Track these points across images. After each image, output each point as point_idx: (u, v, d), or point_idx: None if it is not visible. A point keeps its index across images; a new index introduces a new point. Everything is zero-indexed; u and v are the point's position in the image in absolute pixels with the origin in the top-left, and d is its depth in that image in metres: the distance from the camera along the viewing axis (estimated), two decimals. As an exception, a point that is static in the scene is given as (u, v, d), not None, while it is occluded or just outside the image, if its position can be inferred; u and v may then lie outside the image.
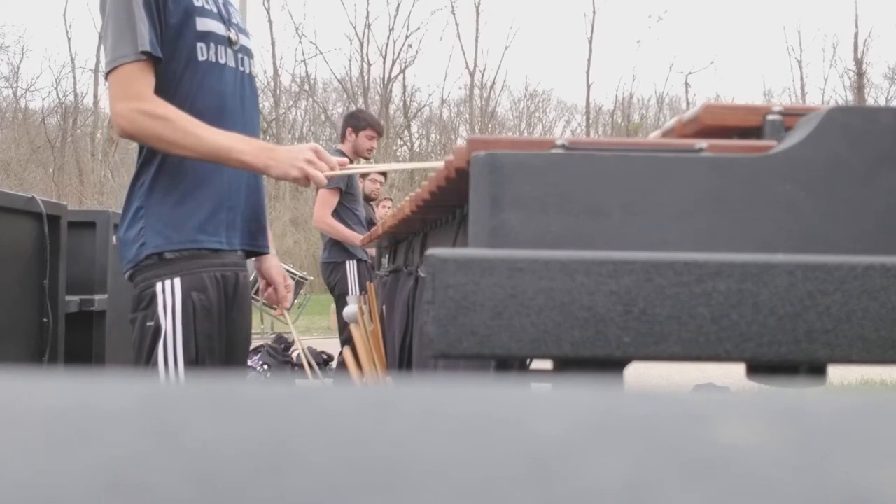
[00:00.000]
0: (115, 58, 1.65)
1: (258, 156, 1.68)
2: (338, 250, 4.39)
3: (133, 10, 1.64)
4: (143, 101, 1.64)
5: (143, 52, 1.64)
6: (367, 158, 4.67)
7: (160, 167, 1.72)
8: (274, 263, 2.11)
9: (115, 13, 1.65)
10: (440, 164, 1.73)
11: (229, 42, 1.78)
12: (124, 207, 1.78)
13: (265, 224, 1.93)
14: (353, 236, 4.29)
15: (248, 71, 1.86)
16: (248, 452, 0.20)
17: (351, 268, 4.37)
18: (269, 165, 1.68)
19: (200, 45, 1.73)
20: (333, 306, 4.63)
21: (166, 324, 1.69)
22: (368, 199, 5.22)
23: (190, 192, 1.73)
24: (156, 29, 1.67)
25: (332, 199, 4.24)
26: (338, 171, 1.75)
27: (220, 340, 1.77)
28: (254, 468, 0.19)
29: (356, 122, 4.57)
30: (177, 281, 1.70)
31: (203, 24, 1.73)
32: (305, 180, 1.70)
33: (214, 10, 1.78)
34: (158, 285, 1.70)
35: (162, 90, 1.68)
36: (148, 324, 1.70)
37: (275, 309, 2.26)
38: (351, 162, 4.47)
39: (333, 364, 4.60)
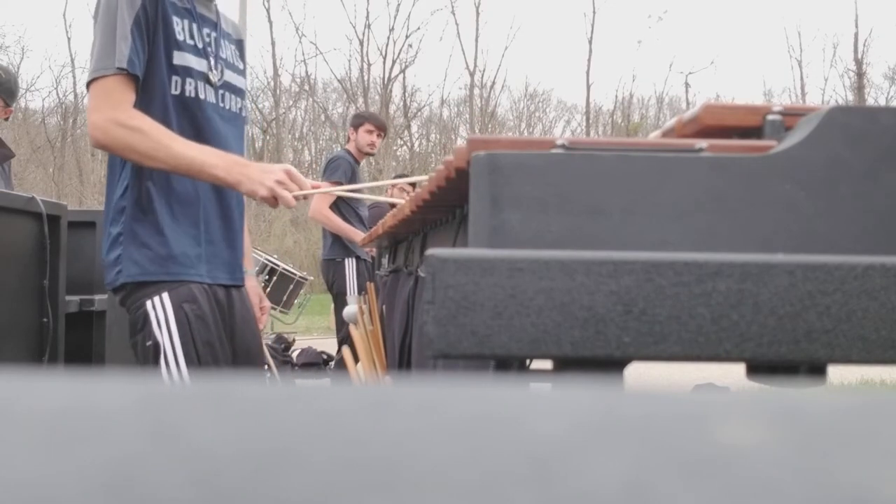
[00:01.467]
0: (97, 69, 1.68)
1: (230, 170, 1.69)
2: (338, 247, 4.36)
3: (118, 25, 1.66)
4: (118, 111, 1.65)
5: (120, 69, 1.66)
6: (370, 154, 4.65)
7: (141, 193, 1.73)
8: (251, 283, 2.11)
9: (103, 25, 1.68)
10: (423, 178, 1.77)
11: (207, 79, 1.79)
12: (105, 225, 1.78)
13: (241, 251, 1.94)
14: (351, 230, 4.26)
15: (231, 108, 1.87)
16: (248, 452, 0.20)
17: (350, 266, 4.34)
18: (241, 181, 1.70)
19: (175, 79, 1.74)
20: (333, 306, 4.62)
21: (163, 339, 1.70)
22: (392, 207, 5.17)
23: (169, 223, 1.74)
24: (142, 49, 1.68)
25: (332, 195, 4.21)
26: (308, 191, 1.77)
27: (222, 348, 1.77)
28: (253, 468, 0.19)
29: (355, 120, 4.58)
30: (165, 296, 1.71)
31: (181, 58, 1.75)
32: (273, 200, 1.71)
33: (199, 45, 1.79)
34: (148, 303, 1.71)
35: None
36: (147, 343, 1.71)
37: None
38: (357, 163, 4.47)
39: (332, 364, 4.58)
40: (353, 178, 4.33)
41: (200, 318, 1.73)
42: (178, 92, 1.75)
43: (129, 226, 1.73)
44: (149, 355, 1.71)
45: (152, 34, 1.70)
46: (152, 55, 1.71)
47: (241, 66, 1.97)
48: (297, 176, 1.74)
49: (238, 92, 1.92)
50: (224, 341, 1.79)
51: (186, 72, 1.77)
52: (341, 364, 4.24)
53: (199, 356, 1.71)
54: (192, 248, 1.76)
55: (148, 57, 1.70)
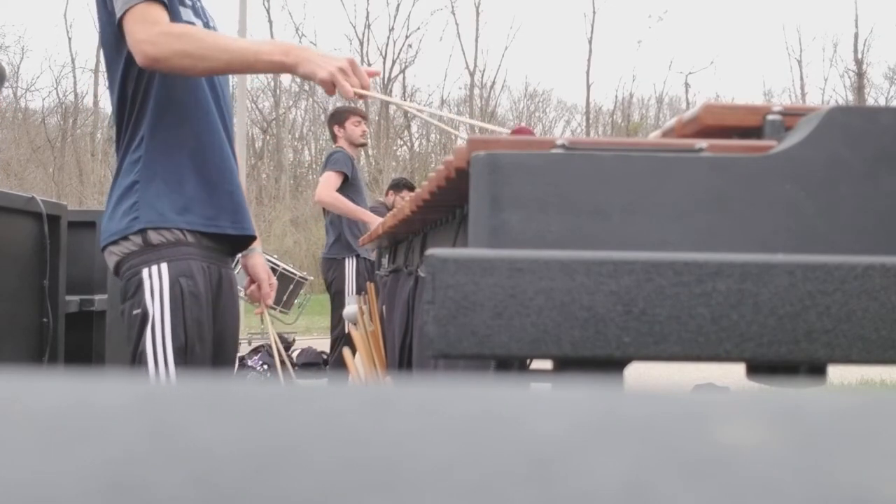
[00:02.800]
0: (127, 1, 1.62)
1: (288, 53, 1.62)
2: (340, 246, 4.30)
3: None
4: (158, 25, 1.60)
5: None
6: (363, 145, 4.58)
7: (155, 142, 1.68)
8: (260, 261, 2.10)
9: None
10: (501, 129, 1.71)
11: (193, 5, 1.76)
12: (114, 184, 1.73)
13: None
14: (361, 211, 4.18)
15: (205, 22, 1.83)
16: (248, 452, 0.20)
17: (350, 265, 4.29)
18: (299, 63, 1.62)
19: (184, 10, 1.70)
20: (330, 303, 4.55)
21: (154, 309, 1.64)
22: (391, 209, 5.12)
23: (187, 171, 1.70)
24: None
25: (336, 181, 4.14)
26: (369, 93, 1.67)
27: (209, 329, 1.73)
28: (253, 468, 0.19)
29: (338, 116, 4.46)
30: (164, 266, 1.66)
31: (186, 14, 1.71)
32: (331, 86, 1.62)
33: (192, 4, 1.76)
34: (145, 271, 1.66)
35: (142, 72, 1.66)
36: (135, 311, 1.66)
37: (257, 306, 2.21)
38: (351, 161, 4.38)
39: (328, 364, 4.54)
40: (354, 172, 4.27)
41: (194, 295, 1.68)
42: (187, 19, 1.71)
43: (145, 173, 1.68)
44: (135, 324, 1.66)
45: None
46: (170, 8, 1.67)
47: (214, 21, 1.92)
48: (359, 70, 1.66)
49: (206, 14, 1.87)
50: (211, 323, 1.74)
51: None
52: (338, 363, 4.20)
53: (187, 333, 1.67)
54: (214, 196, 1.73)
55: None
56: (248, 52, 1.62)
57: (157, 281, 1.65)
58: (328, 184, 4.15)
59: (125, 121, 1.72)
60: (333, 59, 1.63)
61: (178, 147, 1.69)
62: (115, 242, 1.69)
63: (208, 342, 1.72)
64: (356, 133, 4.39)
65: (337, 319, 4.28)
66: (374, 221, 3.98)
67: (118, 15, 1.63)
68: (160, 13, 1.62)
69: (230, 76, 1.88)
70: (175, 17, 1.67)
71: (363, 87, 1.65)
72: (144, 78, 1.69)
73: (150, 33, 1.60)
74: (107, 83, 1.81)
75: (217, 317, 1.78)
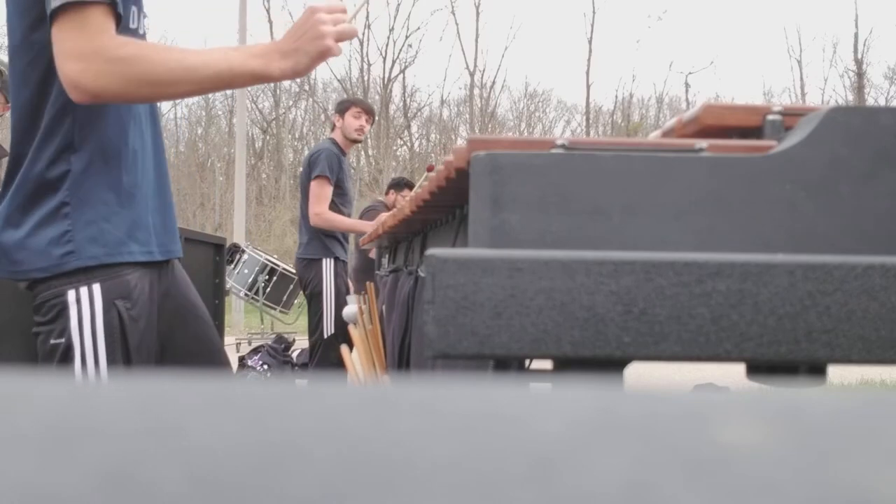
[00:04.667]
0: None
1: (269, 62, 1.30)
2: (315, 246, 4.06)
3: None
4: (100, 41, 1.23)
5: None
6: (359, 141, 4.35)
7: (88, 153, 1.33)
8: None
9: None
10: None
11: (141, 6, 1.41)
12: (21, 197, 1.33)
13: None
14: (359, 223, 4.09)
15: (143, 32, 1.46)
16: (248, 452, 0.20)
17: (328, 266, 4.12)
18: (289, 67, 1.31)
19: (133, 10, 1.37)
20: (307, 307, 4.37)
21: (82, 342, 1.32)
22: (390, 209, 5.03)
23: (122, 185, 1.36)
24: None
25: (325, 191, 3.93)
26: (357, 9, 1.42)
27: (155, 346, 1.44)
28: (253, 467, 0.19)
29: (340, 105, 4.24)
30: (95, 288, 1.33)
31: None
32: (338, 45, 1.34)
33: None
34: (70, 294, 1.32)
35: None
36: (52, 341, 1.32)
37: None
38: (343, 153, 4.22)
39: (310, 364, 4.43)
40: (339, 171, 4.11)
41: (134, 319, 1.37)
42: (135, 26, 1.37)
43: (77, 193, 1.32)
44: (53, 355, 1.33)
45: None
46: None
47: None
48: (329, 5, 1.36)
49: (147, 16, 1.48)
50: (155, 340, 1.44)
51: (137, 1, 1.39)
52: (321, 366, 4.08)
53: (131, 361, 1.37)
54: (145, 216, 1.42)
55: None
56: (221, 72, 1.28)
57: (86, 307, 1.32)
58: (319, 199, 3.93)
59: (40, 114, 1.33)
60: (308, 24, 1.33)
61: (115, 160, 1.36)
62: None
63: (156, 357, 1.44)
64: (352, 125, 4.09)
65: (315, 323, 4.14)
66: (368, 228, 3.92)
67: (51, 6, 1.23)
68: (105, 22, 1.24)
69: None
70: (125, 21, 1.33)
71: (343, 11, 1.38)
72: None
73: (91, 55, 1.22)
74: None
75: (179, 315, 1.51)
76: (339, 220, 4.03)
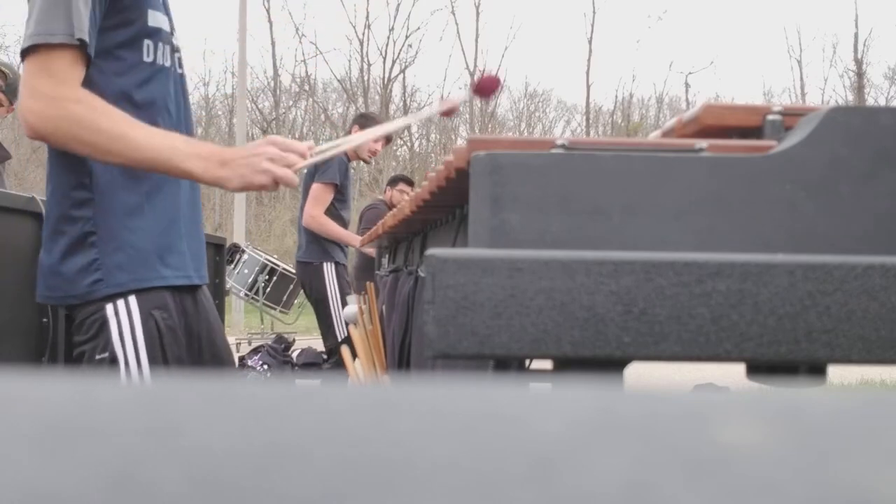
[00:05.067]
0: (41, 32, 1.27)
1: (207, 165, 1.33)
2: (315, 250, 4.05)
3: None
4: (62, 90, 1.28)
5: (79, 40, 1.28)
6: (367, 162, 4.41)
7: (112, 180, 1.38)
8: None
9: None
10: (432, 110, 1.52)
11: (172, 44, 1.47)
12: (51, 223, 1.40)
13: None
14: (349, 235, 4.09)
15: (182, 72, 1.54)
16: (248, 452, 0.20)
17: (329, 271, 4.11)
18: (222, 177, 1.33)
19: (147, 44, 1.40)
20: (315, 314, 4.37)
21: (126, 353, 1.36)
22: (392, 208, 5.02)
23: (150, 212, 1.41)
24: (95, 17, 1.32)
25: (326, 196, 3.94)
26: (312, 160, 1.41)
27: (195, 364, 1.49)
28: (253, 468, 0.19)
29: (365, 121, 4.20)
30: (132, 300, 1.37)
31: (154, 18, 1.41)
32: (275, 185, 1.35)
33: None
34: (109, 308, 1.36)
35: (93, 91, 1.34)
36: (98, 357, 1.37)
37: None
38: (349, 160, 4.25)
39: (326, 365, 4.45)
40: (345, 178, 4.12)
41: (172, 329, 1.41)
42: (150, 59, 1.41)
43: (103, 222, 1.37)
44: (100, 370, 1.37)
45: None
46: (131, 14, 1.37)
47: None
48: (287, 144, 1.38)
49: (180, 51, 1.54)
50: (195, 355, 1.49)
51: (159, 35, 1.42)
52: (339, 365, 4.11)
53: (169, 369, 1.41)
54: (179, 242, 1.45)
55: (123, 19, 1.36)
56: (160, 156, 1.30)
57: (125, 318, 1.37)
58: (317, 202, 3.94)
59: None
60: (258, 154, 1.34)
61: (137, 185, 1.40)
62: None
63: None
64: (368, 147, 4.09)
65: (327, 328, 4.14)
66: (357, 242, 3.91)
67: (22, 44, 1.30)
68: (73, 71, 1.29)
69: (187, 88, 1.59)
70: (121, 51, 1.37)
71: (302, 157, 1.39)
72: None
73: (46, 103, 1.27)
74: None
75: (203, 337, 1.55)
76: (331, 227, 4.02)
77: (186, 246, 1.48)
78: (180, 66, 1.53)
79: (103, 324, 1.37)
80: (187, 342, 1.48)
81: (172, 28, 1.49)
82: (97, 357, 1.37)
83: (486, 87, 1.48)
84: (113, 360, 1.37)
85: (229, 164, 1.34)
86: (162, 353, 1.40)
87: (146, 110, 1.40)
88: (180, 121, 1.51)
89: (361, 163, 4.59)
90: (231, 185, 1.35)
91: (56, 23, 1.28)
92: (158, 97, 1.44)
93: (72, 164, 1.38)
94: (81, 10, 1.29)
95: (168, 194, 1.44)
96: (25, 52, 1.30)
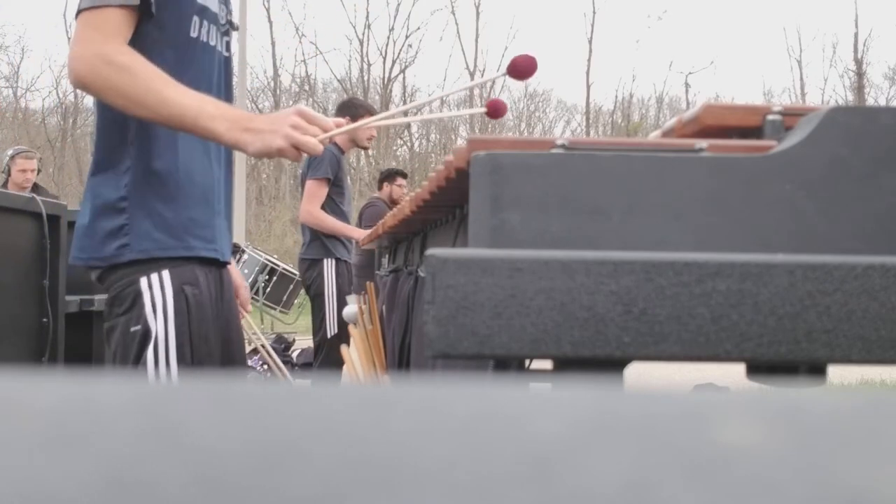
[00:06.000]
0: None
1: (231, 127, 1.36)
2: (317, 247, 4.06)
3: None
4: (107, 45, 1.36)
5: (127, 4, 1.37)
6: (366, 148, 4.42)
7: (150, 149, 1.44)
8: (234, 269, 1.86)
9: None
10: (475, 111, 1.58)
11: (219, 24, 1.52)
12: (91, 188, 1.47)
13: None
14: (349, 228, 4.09)
15: (230, 54, 1.60)
16: (248, 452, 0.20)
17: (329, 267, 4.11)
18: (244, 140, 1.36)
19: (195, 20, 1.46)
20: (311, 307, 4.39)
21: (157, 326, 1.42)
22: (395, 202, 5.01)
23: (185, 186, 1.47)
24: None
25: (321, 192, 3.92)
26: (335, 132, 1.43)
27: (216, 344, 1.53)
28: (254, 467, 0.19)
29: (353, 110, 4.12)
30: (165, 274, 1.43)
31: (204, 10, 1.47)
32: (294, 151, 1.37)
33: None
34: (143, 281, 1.42)
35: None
36: (133, 328, 1.42)
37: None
38: (343, 153, 4.25)
39: (315, 363, 4.45)
40: (338, 171, 4.12)
41: (200, 305, 1.47)
42: (196, 35, 1.46)
43: (136, 189, 1.43)
44: (132, 343, 1.42)
45: None
46: None
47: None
48: (313, 115, 1.40)
49: (231, 34, 1.61)
50: (217, 335, 1.54)
51: (206, 13, 1.48)
52: (325, 366, 4.10)
53: (193, 351, 1.46)
54: (211, 219, 1.51)
55: None
56: (188, 113, 1.35)
57: (158, 292, 1.43)
58: (312, 198, 3.93)
59: (110, 112, 1.45)
60: (283, 118, 1.38)
61: (175, 159, 1.46)
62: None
63: (216, 357, 1.53)
64: (364, 133, 4.13)
65: (318, 323, 4.16)
66: (359, 235, 3.92)
67: (80, 5, 1.39)
68: (121, 30, 1.38)
69: (232, 69, 1.64)
70: (169, 25, 1.43)
71: (325, 130, 1.41)
72: None
73: (90, 52, 1.36)
74: None
75: (224, 321, 1.60)
76: (327, 221, 4.03)
77: (217, 222, 1.53)
78: (227, 49, 1.59)
79: (137, 296, 1.42)
80: (213, 318, 1.52)
81: (226, 10, 1.56)
82: (131, 329, 1.43)
83: (522, 68, 1.48)
84: (146, 333, 1.42)
85: (252, 128, 1.37)
86: (188, 329, 1.45)
87: (187, 83, 1.44)
88: (224, 100, 1.54)
89: (361, 163, 4.58)
90: (251, 149, 1.38)
91: None
92: (201, 72, 1.49)
93: (114, 131, 1.44)
94: None
95: (202, 169, 1.49)
96: (81, 12, 1.38)
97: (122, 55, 1.36)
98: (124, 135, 1.45)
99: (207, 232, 1.50)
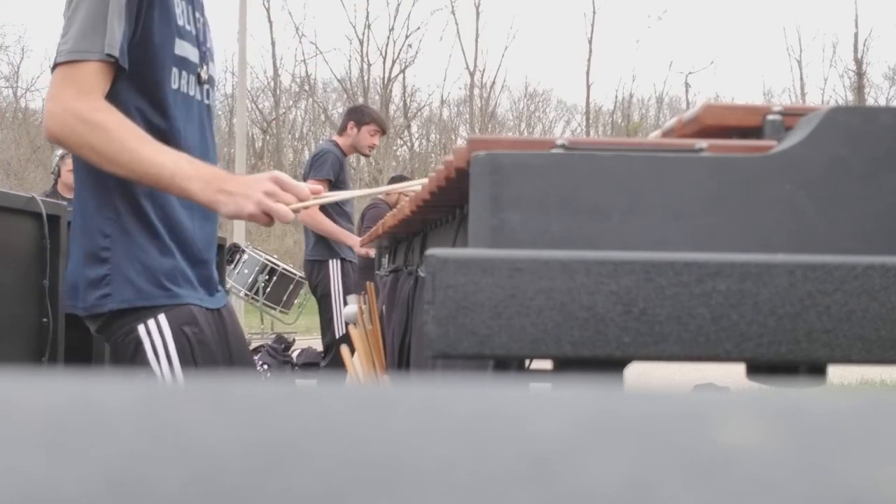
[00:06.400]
0: (76, 50, 1.37)
1: (206, 187, 1.37)
2: (321, 247, 4.10)
3: (112, 3, 1.37)
4: (82, 101, 1.36)
5: (110, 56, 1.37)
6: (366, 156, 4.45)
7: (133, 201, 1.44)
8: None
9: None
10: (419, 182, 1.57)
11: (199, 76, 1.55)
12: (75, 235, 1.48)
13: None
14: (344, 234, 4.09)
15: (210, 103, 1.62)
16: (248, 452, 0.20)
17: (334, 267, 4.13)
18: (218, 200, 1.36)
19: (174, 71, 1.48)
20: (318, 308, 4.41)
21: (162, 370, 1.42)
22: (398, 205, 5.00)
23: (167, 236, 1.47)
24: (129, 35, 1.41)
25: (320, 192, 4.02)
26: (309, 203, 1.45)
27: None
28: (254, 467, 0.19)
29: (360, 116, 4.24)
30: (162, 318, 1.43)
31: (181, 47, 1.49)
32: (266, 217, 1.38)
33: (193, 31, 1.53)
34: (141, 328, 1.42)
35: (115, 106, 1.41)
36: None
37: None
38: (345, 155, 4.26)
39: (323, 363, 4.46)
40: (341, 173, 4.12)
41: (203, 343, 1.47)
42: (176, 86, 1.48)
43: (117, 238, 1.44)
44: None
45: (146, 13, 1.41)
46: (160, 41, 1.44)
47: (214, 51, 1.65)
48: (288, 183, 1.42)
49: (214, 84, 1.64)
50: (226, 368, 1.54)
51: (185, 64, 1.50)
52: (335, 365, 4.11)
53: None
54: (191, 267, 1.52)
55: (152, 46, 1.43)
56: (164, 172, 1.35)
57: (157, 337, 1.43)
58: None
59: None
60: (257, 183, 1.39)
61: (156, 206, 1.46)
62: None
63: None
64: (366, 142, 4.17)
65: (326, 324, 4.18)
66: (354, 242, 3.92)
67: (56, 59, 1.39)
68: (98, 84, 1.37)
69: (213, 118, 1.66)
70: (149, 77, 1.44)
71: (300, 199, 1.42)
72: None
73: (64, 108, 1.36)
74: None
75: (233, 356, 1.59)
76: (325, 224, 4.04)
77: (199, 273, 1.53)
78: (208, 97, 1.60)
79: (138, 344, 1.43)
80: (218, 354, 1.52)
81: (204, 60, 1.57)
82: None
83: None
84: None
85: (227, 190, 1.38)
86: (195, 366, 1.44)
87: (165, 134, 1.46)
88: (205, 149, 1.57)
89: (362, 163, 4.62)
90: (223, 210, 1.39)
91: (93, 41, 1.37)
92: (183, 122, 1.51)
93: (95, 178, 1.44)
94: (115, 27, 1.37)
95: (185, 216, 1.50)
96: (57, 65, 1.38)
97: (97, 112, 1.36)
98: (106, 182, 1.44)
99: (189, 282, 1.50)
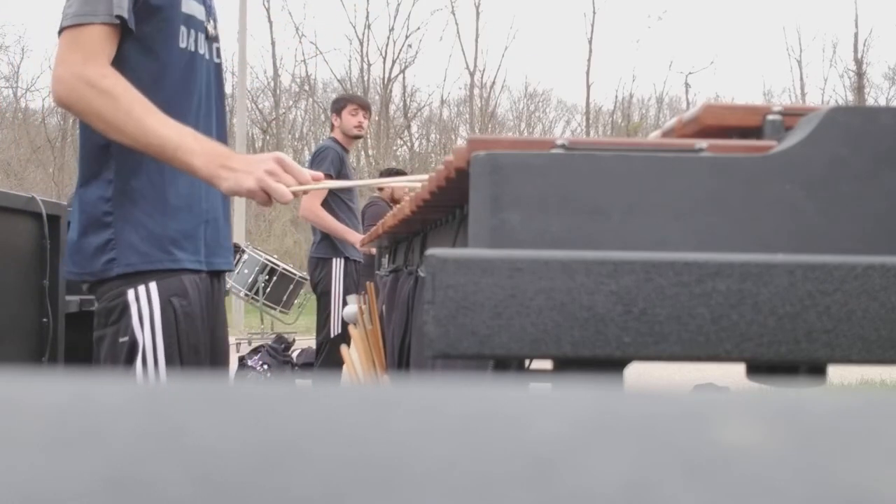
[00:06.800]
0: (81, 13, 1.36)
1: (208, 162, 1.36)
2: (326, 245, 4.08)
3: None
4: (90, 66, 1.35)
5: (118, 17, 1.36)
6: (359, 137, 4.36)
7: (131, 160, 1.44)
8: None
9: None
10: (423, 177, 1.57)
11: (206, 31, 1.54)
12: (78, 203, 1.48)
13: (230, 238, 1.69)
14: (345, 230, 4.06)
15: (218, 61, 1.61)
16: (249, 452, 0.20)
17: (337, 266, 4.10)
18: (219, 176, 1.36)
19: (183, 30, 1.47)
20: (316, 305, 4.39)
21: (144, 337, 1.43)
22: (396, 201, 5.01)
23: (169, 197, 1.47)
24: None
25: (323, 190, 3.90)
26: (310, 186, 1.44)
27: (206, 355, 1.53)
28: (254, 467, 0.19)
29: (337, 104, 4.28)
30: (152, 286, 1.44)
31: (188, 5, 1.48)
32: (264, 195, 1.37)
33: None
34: (130, 293, 1.43)
35: (126, 73, 1.40)
36: (121, 340, 1.43)
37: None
38: (346, 151, 4.24)
39: (316, 363, 4.43)
40: (342, 168, 4.11)
41: (189, 316, 1.47)
42: (184, 45, 1.47)
43: (120, 202, 1.44)
44: (120, 354, 1.43)
45: None
46: (158, 2, 1.43)
47: (216, 11, 1.63)
48: (290, 165, 1.41)
49: (219, 41, 1.61)
50: (207, 345, 1.54)
51: (192, 22, 1.49)
52: (327, 366, 4.08)
53: (183, 362, 1.45)
54: (196, 228, 1.51)
55: (158, 5, 1.42)
56: (167, 144, 1.35)
57: (145, 304, 1.43)
58: (315, 194, 3.93)
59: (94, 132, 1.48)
60: (259, 162, 1.39)
61: (161, 169, 1.45)
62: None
63: (205, 367, 1.53)
64: (351, 123, 4.15)
65: (323, 322, 4.15)
66: (356, 240, 3.91)
67: (62, 23, 1.38)
68: (104, 48, 1.37)
69: (223, 77, 1.65)
70: (157, 36, 1.44)
71: (301, 183, 1.41)
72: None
73: (72, 73, 1.35)
74: None
75: (212, 331, 1.59)
76: (326, 220, 4.02)
77: (204, 232, 1.53)
78: (217, 55, 1.60)
79: (125, 308, 1.43)
80: (202, 328, 1.53)
81: (210, 17, 1.56)
82: (119, 340, 1.44)
83: None
84: (133, 344, 1.44)
85: (229, 166, 1.38)
86: (177, 340, 1.45)
87: (176, 94, 1.47)
88: (210, 108, 1.57)
89: (362, 163, 4.61)
90: (223, 185, 1.38)
91: (98, 4, 1.36)
92: (192, 83, 1.50)
93: (95, 147, 1.45)
94: None
95: (187, 178, 1.47)
96: (63, 29, 1.37)
97: (104, 78, 1.36)
98: (106, 147, 1.44)
99: (194, 243, 1.51)
